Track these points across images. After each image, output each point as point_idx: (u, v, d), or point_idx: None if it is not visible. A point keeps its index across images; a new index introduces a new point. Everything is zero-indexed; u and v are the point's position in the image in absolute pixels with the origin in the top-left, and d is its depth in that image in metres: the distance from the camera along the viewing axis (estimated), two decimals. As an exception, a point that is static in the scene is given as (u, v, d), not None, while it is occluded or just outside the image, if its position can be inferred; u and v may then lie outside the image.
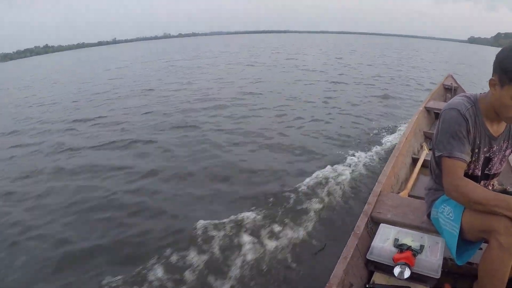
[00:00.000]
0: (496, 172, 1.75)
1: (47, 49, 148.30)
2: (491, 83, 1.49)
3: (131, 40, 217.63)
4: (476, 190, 1.48)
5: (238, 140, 5.49)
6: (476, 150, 1.63)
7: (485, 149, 1.65)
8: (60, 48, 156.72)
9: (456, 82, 7.34)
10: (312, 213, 3.03)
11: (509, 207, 1.36)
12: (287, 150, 4.96)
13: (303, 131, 6.03)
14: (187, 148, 5.08)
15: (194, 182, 4.00)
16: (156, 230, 3.02)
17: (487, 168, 1.72)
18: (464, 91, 6.42)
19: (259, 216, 2.98)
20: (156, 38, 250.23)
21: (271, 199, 3.30)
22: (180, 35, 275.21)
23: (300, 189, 3.43)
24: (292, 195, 3.32)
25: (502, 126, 1.66)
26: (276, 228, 2.86)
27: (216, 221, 2.94)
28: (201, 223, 2.91)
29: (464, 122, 1.54)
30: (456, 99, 1.64)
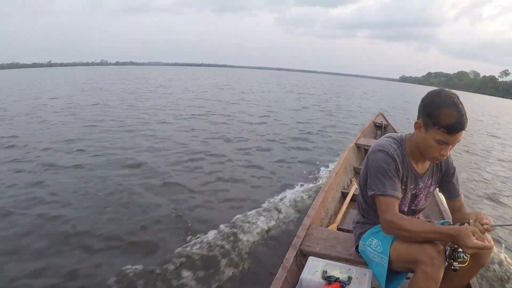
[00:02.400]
0: (422, 207, 1.99)
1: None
2: (416, 125, 1.73)
3: (67, 65, 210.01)
4: (414, 223, 1.65)
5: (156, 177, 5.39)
6: (403, 188, 1.85)
7: (411, 187, 1.88)
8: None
9: (386, 120, 8.03)
10: (241, 248, 3.10)
11: (445, 235, 1.54)
12: (215, 189, 4.95)
13: (231, 166, 6.13)
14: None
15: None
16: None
17: (413, 204, 1.95)
18: (394, 129, 7.06)
19: (187, 253, 2.99)
20: (93, 64, 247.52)
21: (200, 236, 3.31)
22: (117, 63, 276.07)
23: (230, 225, 3.49)
24: (223, 231, 3.36)
25: (427, 164, 1.90)
26: (206, 262, 2.90)
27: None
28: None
29: (392, 162, 1.76)
30: (383, 141, 1.87)
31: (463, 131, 1.59)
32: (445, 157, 1.69)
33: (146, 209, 4.04)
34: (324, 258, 2.15)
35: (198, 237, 3.26)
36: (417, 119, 1.71)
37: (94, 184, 4.72)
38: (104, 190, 4.51)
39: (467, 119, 1.57)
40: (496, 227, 1.59)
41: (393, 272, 1.79)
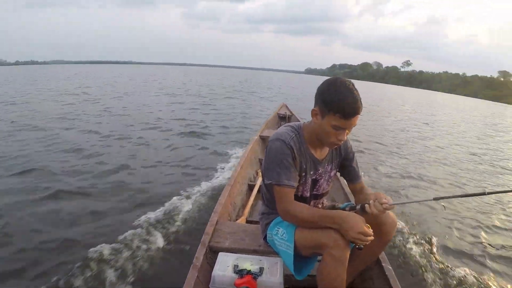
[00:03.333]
0: (323, 192, 2.10)
1: None
2: (313, 113, 1.81)
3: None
4: (303, 211, 1.79)
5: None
6: (303, 174, 1.94)
7: (311, 173, 1.97)
8: None
9: (289, 111, 8.39)
10: (148, 251, 3.02)
11: (332, 220, 1.67)
12: (122, 185, 4.79)
13: (133, 164, 5.90)
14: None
15: None
16: None
17: (315, 189, 2.04)
18: (297, 119, 7.37)
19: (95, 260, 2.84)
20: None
21: (104, 238, 3.18)
22: (17, 63, 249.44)
23: (136, 227, 3.37)
24: (127, 233, 3.23)
25: (325, 150, 2.01)
26: (115, 265, 2.80)
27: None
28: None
29: (289, 151, 1.83)
30: (281, 130, 1.95)
31: (358, 116, 1.69)
32: (342, 142, 1.79)
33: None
34: (234, 252, 2.19)
35: (100, 244, 3.06)
36: (314, 107, 1.79)
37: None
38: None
39: (361, 104, 1.68)
40: (396, 205, 1.71)
41: (303, 258, 1.88)
